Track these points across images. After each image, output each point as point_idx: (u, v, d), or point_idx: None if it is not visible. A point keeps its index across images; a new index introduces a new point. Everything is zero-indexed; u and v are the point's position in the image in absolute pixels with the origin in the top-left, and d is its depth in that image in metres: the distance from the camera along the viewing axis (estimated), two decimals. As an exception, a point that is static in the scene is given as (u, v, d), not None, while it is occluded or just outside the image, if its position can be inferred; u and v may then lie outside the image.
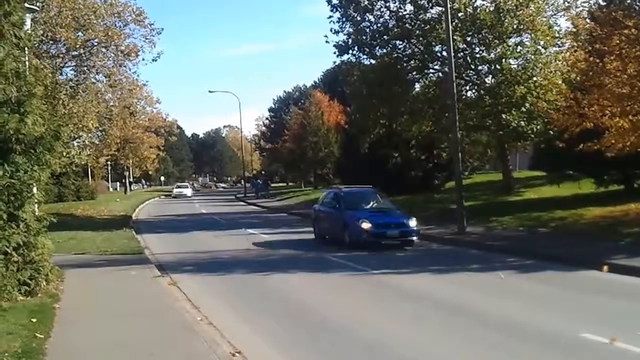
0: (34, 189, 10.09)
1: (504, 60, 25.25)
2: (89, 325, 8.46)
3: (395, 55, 28.67)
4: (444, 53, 25.47)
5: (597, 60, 16.50)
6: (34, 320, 8.36)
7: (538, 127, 24.30)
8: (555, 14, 25.63)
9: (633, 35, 15.35)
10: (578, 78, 19.35)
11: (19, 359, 6.62)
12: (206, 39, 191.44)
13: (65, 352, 7.03)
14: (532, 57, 24.98)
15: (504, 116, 25.01)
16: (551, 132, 22.14)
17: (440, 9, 25.29)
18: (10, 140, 9.25)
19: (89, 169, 57.21)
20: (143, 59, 29.49)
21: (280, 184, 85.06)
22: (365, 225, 16.42)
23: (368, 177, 32.60)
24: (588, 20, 19.40)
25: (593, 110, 16.29)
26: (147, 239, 21.17)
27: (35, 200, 10.36)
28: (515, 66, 25.55)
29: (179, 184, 79.16)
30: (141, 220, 33.04)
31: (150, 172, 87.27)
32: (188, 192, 66.56)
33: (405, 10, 27.80)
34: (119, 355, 6.98)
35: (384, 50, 28.82)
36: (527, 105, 24.40)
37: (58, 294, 10.53)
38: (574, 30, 20.22)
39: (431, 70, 29.44)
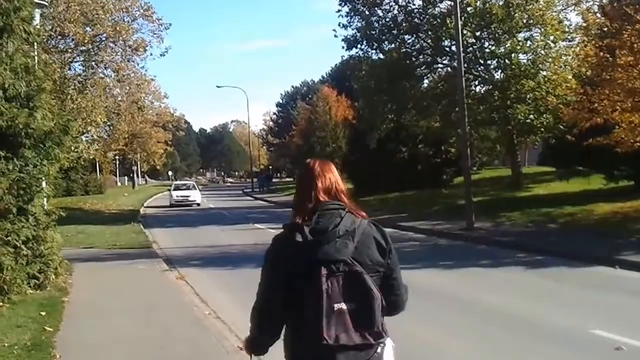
0: (43, 183, 10.13)
1: (513, 55, 25.11)
2: (98, 318, 8.47)
3: (404, 50, 28.58)
4: (453, 48, 25.33)
5: (608, 55, 16.38)
6: (43, 313, 8.40)
7: (547, 120, 24.17)
8: (565, 9, 25.46)
9: (644, 30, 15.23)
10: (588, 73, 19.22)
11: (28, 352, 6.64)
12: (214, 34, 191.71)
13: (74, 346, 7.04)
14: (542, 51, 24.83)
15: (510, 111, 24.88)
16: (561, 127, 22.05)
17: (449, 3, 25.17)
18: (19, 135, 9.28)
19: (97, 164, 57.35)
20: (151, 54, 29.50)
21: (288, 179, 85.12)
22: None
23: (376, 172, 32.62)
24: (598, 15, 19.26)
25: (603, 105, 16.18)
26: (155, 233, 21.23)
27: (45, 194, 10.40)
28: (525, 61, 25.42)
29: (177, 182, 51.34)
30: (149, 214, 33.13)
31: (158, 167, 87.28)
32: (195, 196, 40.52)
33: (414, 4, 27.72)
34: (128, 349, 6.98)
35: (393, 45, 28.74)
36: (533, 98, 24.27)
37: (67, 287, 10.57)
38: (584, 24, 20.07)
39: (440, 65, 29.33)
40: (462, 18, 22.69)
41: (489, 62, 26.59)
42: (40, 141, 9.70)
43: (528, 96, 24.34)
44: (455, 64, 22.66)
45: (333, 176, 2.87)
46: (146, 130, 60.38)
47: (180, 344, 7.14)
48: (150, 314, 8.69)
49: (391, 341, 2.83)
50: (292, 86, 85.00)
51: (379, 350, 2.68)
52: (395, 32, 28.15)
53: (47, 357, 6.52)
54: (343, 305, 2.53)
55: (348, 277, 2.55)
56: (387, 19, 28.27)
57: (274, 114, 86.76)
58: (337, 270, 2.54)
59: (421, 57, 28.97)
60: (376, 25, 28.36)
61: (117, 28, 26.63)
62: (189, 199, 39.45)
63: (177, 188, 42.79)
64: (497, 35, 25.54)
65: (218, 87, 70.55)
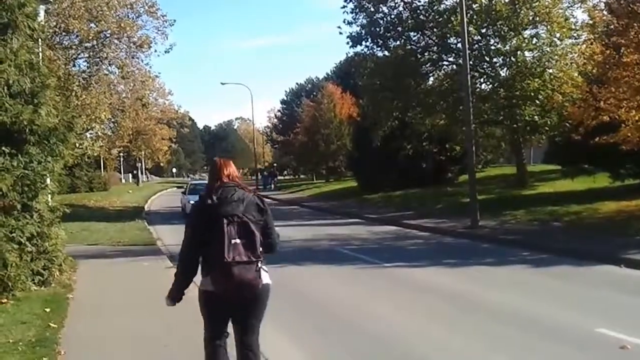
0: (48, 180, 10.11)
1: (519, 52, 25.03)
2: (102, 315, 8.48)
3: (409, 47, 28.51)
4: (459, 45, 25.28)
5: (614, 53, 16.31)
6: (48, 310, 8.40)
7: (552, 120, 24.10)
8: (571, 6, 25.25)
9: (651, 28, 15.15)
10: (594, 71, 19.14)
11: (33, 348, 6.65)
12: (218, 30, 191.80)
13: (78, 342, 7.04)
14: (548, 49, 24.74)
15: (517, 110, 24.81)
16: (567, 125, 21.97)
17: (455, 0, 25.09)
18: (24, 131, 9.27)
19: (102, 161, 57.44)
20: (155, 51, 29.64)
21: (293, 177, 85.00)
22: None
23: (380, 170, 32.58)
24: (605, 12, 19.17)
25: (609, 104, 16.11)
26: (159, 230, 21.22)
27: (49, 191, 10.39)
28: (531, 58, 25.33)
29: (195, 182, 38.76)
30: (153, 211, 33.15)
31: (162, 164, 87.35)
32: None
33: (419, 1, 27.64)
34: (133, 346, 6.98)
35: (398, 42, 28.67)
36: (541, 98, 24.21)
37: (71, 284, 10.57)
38: (591, 22, 20.00)
39: (445, 63, 29.25)
40: (468, 15, 22.61)
41: (494, 59, 26.51)
42: (45, 138, 9.69)
43: (534, 94, 24.25)
44: (460, 61, 22.60)
45: (231, 168, 4.82)
46: (150, 127, 60.43)
47: (183, 341, 7.12)
48: (154, 311, 8.66)
49: (266, 270, 4.67)
50: (297, 83, 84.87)
51: (259, 264, 4.50)
52: (400, 29, 28.05)
53: (51, 353, 6.51)
54: (237, 240, 4.40)
55: (240, 224, 4.44)
56: (392, 16, 28.19)
57: (279, 111, 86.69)
58: (232, 220, 4.43)
59: (426, 54, 28.89)
60: (381, 22, 28.28)
61: (122, 24, 26.60)
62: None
63: (195, 190, 27.14)
64: (502, 32, 25.45)
65: (222, 84, 69.71)
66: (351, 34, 29.18)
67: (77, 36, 26.11)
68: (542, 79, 24.14)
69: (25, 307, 8.49)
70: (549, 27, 24.74)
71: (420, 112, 29.31)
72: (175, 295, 4.96)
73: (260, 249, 4.53)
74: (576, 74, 23.11)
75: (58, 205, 10.78)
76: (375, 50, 29.67)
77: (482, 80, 27.70)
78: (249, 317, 4.75)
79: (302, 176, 76.76)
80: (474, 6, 25.04)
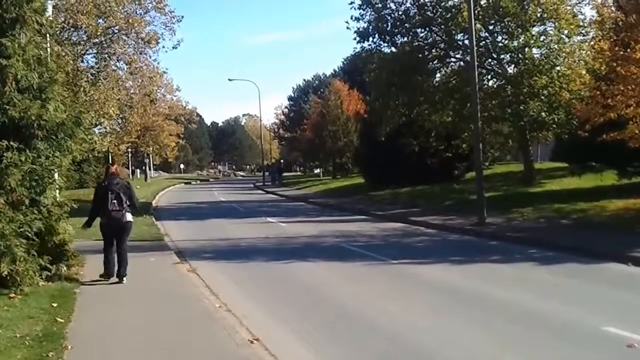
0: (56, 175, 10.17)
1: (526, 49, 24.93)
2: (109, 310, 8.52)
3: (416, 43, 28.45)
4: (466, 42, 25.22)
5: (622, 50, 16.21)
6: (55, 304, 8.45)
7: (560, 117, 24.02)
8: (579, 2, 25.17)
9: (660, 24, 15.05)
10: (602, 68, 19.04)
11: (40, 343, 6.68)
12: (226, 27, 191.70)
13: (85, 337, 7.07)
14: (556, 46, 24.63)
15: (524, 107, 24.73)
16: (574, 123, 21.87)
17: (462, -5, 25.00)
18: (32, 126, 9.32)
19: (110, 156, 57.54)
20: (163, 47, 29.69)
21: (299, 173, 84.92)
22: None
23: (387, 167, 32.54)
24: (613, 9, 19.07)
25: (617, 101, 16.01)
26: (167, 226, 21.28)
27: (57, 186, 10.45)
28: (538, 55, 25.23)
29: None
30: (161, 207, 33.23)
31: (170, 160, 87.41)
32: None
33: (426, -4, 27.56)
34: (139, 340, 7.00)
35: (405, 39, 28.62)
36: (547, 94, 24.12)
37: (79, 278, 10.63)
38: (599, 18, 19.88)
39: (452, 59, 29.18)
40: (475, 11, 22.52)
41: (502, 56, 26.42)
42: (53, 133, 9.74)
43: (541, 91, 24.17)
44: (467, 58, 22.53)
45: (114, 169, 10.98)
46: (158, 123, 60.50)
47: (191, 336, 7.15)
48: (161, 307, 8.70)
49: (131, 216, 10.71)
50: (304, 80, 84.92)
51: (123, 212, 10.41)
52: (407, 25, 27.99)
53: (58, 347, 6.55)
54: (115, 201, 10.31)
55: (116, 194, 10.32)
56: (400, 12, 28.15)
57: (286, 107, 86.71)
58: (113, 192, 10.33)
59: (433, 50, 28.84)
60: (388, 18, 28.24)
61: (130, 20, 26.60)
62: None
63: None
64: (510, 29, 25.37)
65: (230, 80, 69.40)
66: (358, 29, 29.16)
67: (85, 32, 26.10)
68: (549, 76, 24.04)
69: (33, 301, 8.54)
70: (556, 24, 24.65)
71: (427, 109, 29.26)
72: (88, 225, 10.65)
73: (127, 206, 10.31)
74: (584, 72, 22.99)
75: (66, 200, 10.85)
76: (382, 47, 29.66)
77: (489, 77, 27.62)
78: (121, 236, 10.48)
79: (315, 171, 76.18)
80: (482, 2, 24.96)
